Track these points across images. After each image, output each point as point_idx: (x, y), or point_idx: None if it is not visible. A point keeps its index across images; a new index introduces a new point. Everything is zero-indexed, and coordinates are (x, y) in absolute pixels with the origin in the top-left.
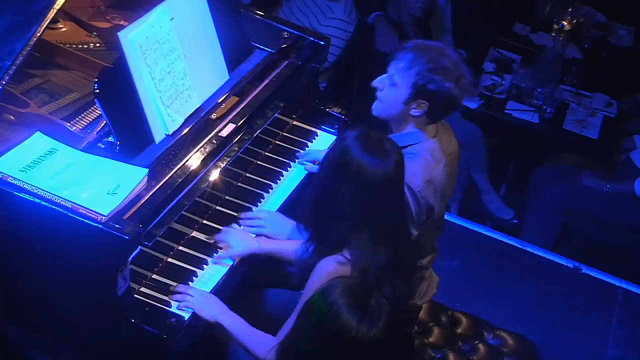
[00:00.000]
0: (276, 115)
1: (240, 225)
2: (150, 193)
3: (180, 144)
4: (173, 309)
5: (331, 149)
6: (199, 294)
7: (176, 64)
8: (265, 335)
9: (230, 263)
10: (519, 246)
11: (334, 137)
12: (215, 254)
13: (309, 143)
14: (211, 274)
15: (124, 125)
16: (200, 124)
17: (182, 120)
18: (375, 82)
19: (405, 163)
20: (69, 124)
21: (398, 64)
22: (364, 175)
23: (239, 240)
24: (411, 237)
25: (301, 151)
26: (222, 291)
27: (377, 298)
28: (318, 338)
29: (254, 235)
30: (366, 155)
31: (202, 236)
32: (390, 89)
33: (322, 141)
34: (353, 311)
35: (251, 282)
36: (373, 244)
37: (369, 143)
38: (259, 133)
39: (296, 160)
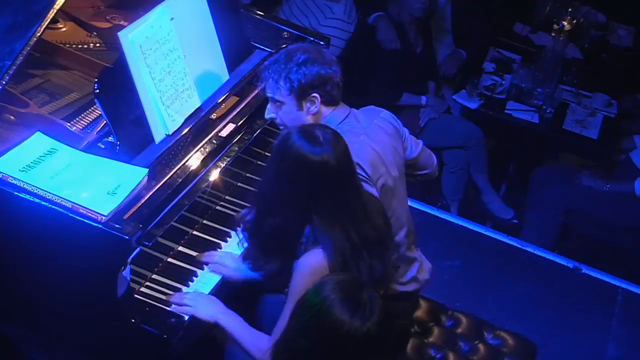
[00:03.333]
0: None
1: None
2: (150, 193)
3: (180, 144)
4: (173, 309)
5: (272, 155)
6: (194, 297)
7: (176, 64)
8: (262, 334)
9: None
10: (519, 246)
11: None
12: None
13: None
14: (211, 274)
15: (124, 125)
16: (200, 124)
17: (182, 120)
18: (267, 115)
19: (348, 149)
20: (69, 124)
21: (269, 87)
22: (313, 168)
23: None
24: (376, 214)
25: None
26: (221, 292)
27: (369, 292)
28: (312, 334)
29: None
30: (304, 144)
31: (202, 236)
32: (282, 110)
33: None
34: (345, 306)
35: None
36: (339, 230)
37: (307, 136)
38: (259, 133)
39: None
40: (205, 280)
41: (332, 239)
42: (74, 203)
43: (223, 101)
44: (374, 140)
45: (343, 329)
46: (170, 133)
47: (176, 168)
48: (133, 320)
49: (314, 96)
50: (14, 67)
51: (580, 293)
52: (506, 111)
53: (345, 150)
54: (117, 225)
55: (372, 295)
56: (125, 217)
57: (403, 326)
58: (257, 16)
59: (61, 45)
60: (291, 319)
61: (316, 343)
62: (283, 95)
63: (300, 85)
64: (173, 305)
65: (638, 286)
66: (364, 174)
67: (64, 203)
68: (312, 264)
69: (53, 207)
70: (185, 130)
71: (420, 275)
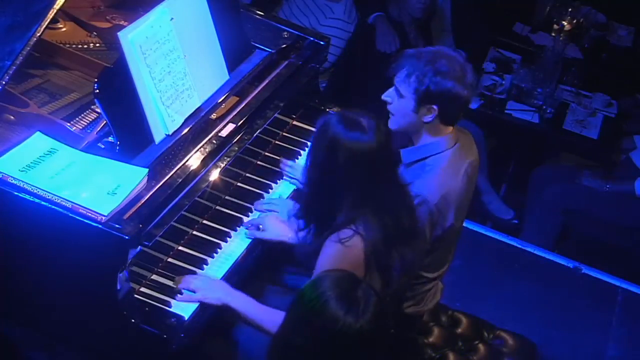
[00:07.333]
0: (276, 115)
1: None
2: (150, 193)
3: (180, 144)
4: (173, 309)
5: (314, 137)
6: (202, 280)
7: (176, 64)
8: (276, 310)
9: (233, 260)
10: (519, 246)
11: None
12: (215, 254)
13: (308, 143)
14: (211, 274)
15: (124, 125)
16: (200, 124)
17: (182, 120)
18: (385, 96)
19: (389, 139)
20: (69, 124)
21: (399, 75)
22: (353, 153)
23: (274, 225)
24: (411, 204)
25: (302, 152)
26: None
27: (364, 289)
28: (307, 330)
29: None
30: (349, 133)
31: (202, 236)
32: (399, 101)
33: None
34: (340, 302)
35: (251, 280)
36: (376, 215)
37: (348, 123)
38: (259, 133)
39: (283, 177)
40: None
41: (368, 222)
42: (73, 203)
43: (223, 101)
44: (467, 182)
45: (337, 325)
46: (170, 133)
47: (176, 168)
48: (133, 321)
49: (433, 108)
50: (14, 67)
51: (580, 293)
52: (506, 111)
53: (386, 139)
54: (117, 225)
55: (368, 293)
56: (125, 217)
57: (411, 337)
58: (257, 16)
59: (61, 45)
60: (288, 312)
61: (310, 338)
62: (407, 90)
63: (426, 91)
64: (179, 295)
65: (638, 286)
66: (434, 210)
67: (63, 203)
68: (341, 243)
69: (53, 207)
70: (185, 130)
71: (435, 298)
